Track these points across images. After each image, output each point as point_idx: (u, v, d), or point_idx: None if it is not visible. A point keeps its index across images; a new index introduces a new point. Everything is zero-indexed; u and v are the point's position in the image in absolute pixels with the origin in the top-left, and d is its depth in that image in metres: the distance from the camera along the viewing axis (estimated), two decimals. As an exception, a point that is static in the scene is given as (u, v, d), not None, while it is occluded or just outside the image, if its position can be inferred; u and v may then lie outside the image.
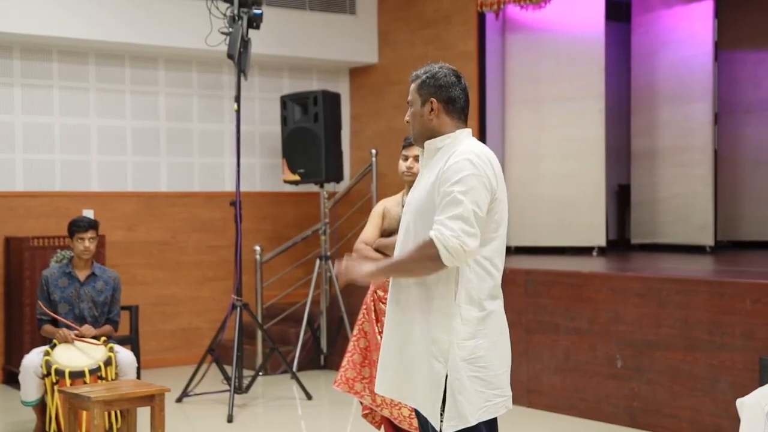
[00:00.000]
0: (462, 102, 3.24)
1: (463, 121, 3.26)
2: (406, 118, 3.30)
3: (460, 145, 3.15)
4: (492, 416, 3.12)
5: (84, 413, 5.24)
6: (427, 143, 3.23)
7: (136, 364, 5.99)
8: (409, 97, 3.29)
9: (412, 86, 3.28)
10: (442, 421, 3.08)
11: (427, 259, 3.01)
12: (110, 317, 6.17)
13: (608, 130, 8.61)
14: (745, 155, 9.43)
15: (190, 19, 8.30)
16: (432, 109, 3.21)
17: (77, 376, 5.59)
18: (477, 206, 3.02)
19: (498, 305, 3.17)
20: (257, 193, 9.36)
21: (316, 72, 9.73)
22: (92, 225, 6.12)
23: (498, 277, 3.16)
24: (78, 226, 6.07)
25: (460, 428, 3.06)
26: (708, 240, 8.53)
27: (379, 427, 4.88)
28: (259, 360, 8.07)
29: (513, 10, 8.70)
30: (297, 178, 8.65)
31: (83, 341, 5.83)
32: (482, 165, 3.07)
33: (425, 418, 3.22)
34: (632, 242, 9.38)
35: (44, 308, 5.96)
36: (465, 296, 3.07)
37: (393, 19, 9.44)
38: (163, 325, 8.81)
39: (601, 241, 8.55)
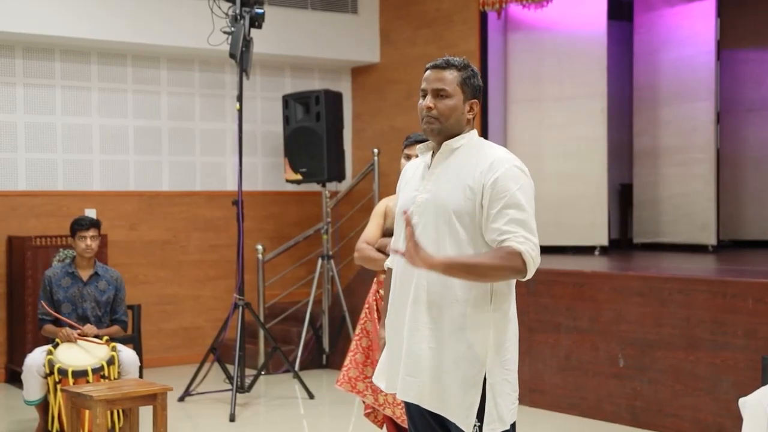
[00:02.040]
0: None
1: None
2: (429, 104, 3.09)
3: (488, 149, 3.13)
4: (515, 419, 3.15)
5: (86, 412, 5.25)
6: (445, 144, 3.15)
7: (139, 363, 6.00)
8: (445, 86, 3.10)
9: (450, 75, 3.10)
10: (480, 426, 3.03)
11: (512, 270, 2.96)
12: (117, 317, 6.18)
13: (610, 129, 8.60)
14: (747, 154, 9.42)
15: (192, 19, 8.31)
16: (471, 110, 3.16)
17: (80, 375, 5.59)
18: (532, 214, 3.04)
19: (515, 309, 3.20)
20: (259, 193, 9.37)
21: (317, 71, 9.73)
22: (94, 224, 6.14)
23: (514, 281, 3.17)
24: (80, 225, 6.10)
25: (499, 431, 3.06)
26: (710, 239, 8.52)
27: (381, 427, 4.88)
28: (261, 359, 8.07)
29: (515, 9, 8.70)
30: (299, 177, 8.65)
31: (86, 340, 5.84)
32: (527, 172, 3.08)
33: (419, 415, 3.20)
34: (634, 241, 9.37)
35: (47, 308, 5.97)
36: (498, 299, 3.08)
37: (394, 18, 9.44)
38: (165, 324, 8.82)
39: (603, 240, 8.55)
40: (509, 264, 2.94)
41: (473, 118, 3.20)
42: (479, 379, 3.04)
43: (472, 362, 3.03)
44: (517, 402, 3.15)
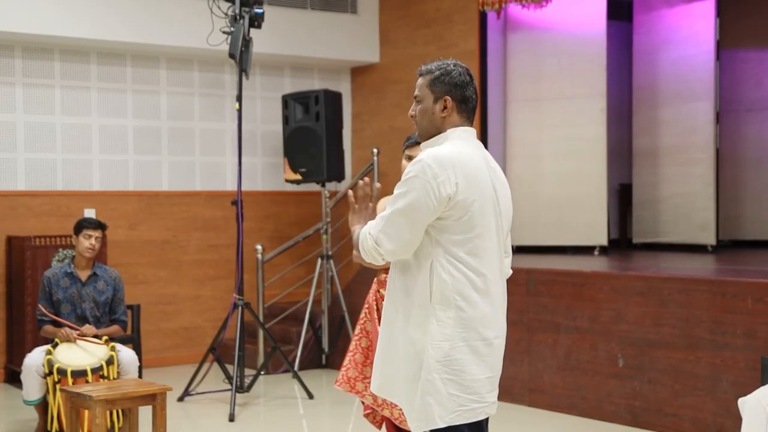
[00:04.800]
0: (473, 102, 3.20)
1: (470, 122, 3.22)
2: (411, 112, 3.24)
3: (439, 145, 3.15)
4: (467, 421, 3.05)
5: (86, 412, 5.24)
6: (423, 144, 3.23)
7: (138, 363, 6.00)
8: (418, 92, 3.21)
9: (422, 81, 3.20)
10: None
11: (355, 247, 3.16)
12: (116, 317, 6.18)
13: (610, 129, 8.61)
14: (747, 154, 9.43)
15: (191, 19, 8.31)
16: (445, 108, 3.16)
17: (79, 375, 5.59)
18: (412, 209, 3.00)
19: (480, 310, 3.07)
20: (259, 192, 9.37)
21: (317, 71, 9.73)
22: (101, 226, 6.20)
23: (477, 280, 3.06)
24: (88, 223, 6.16)
25: (428, 429, 3.04)
26: (709, 239, 8.52)
27: (380, 427, 4.88)
28: (261, 359, 8.07)
29: (514, 9, 8.70)
30: (298, 177, 8.65)
31: (85, 340, 5.84)
32: (437, 169, 3.00)
33: None
34: (634, 241, 9.38)
35: (44, 310, 5.97)
36: (440, 297, 3.03)
37: (394, 18, 9.44)
38: (164, 324, 8.82)
39: (602, 240, 8.55)
40: (355, 240, 3.17)
41: (452, 114, 3.17)
42: (418, 376, 3.06)
43: (414, 358, 3.08)
44: (474, 405, 3.05)
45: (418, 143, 4.49)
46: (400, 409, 4.52)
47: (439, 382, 3.03)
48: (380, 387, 3.27)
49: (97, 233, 6.11)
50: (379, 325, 4.59)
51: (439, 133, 3.19)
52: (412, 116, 3.25)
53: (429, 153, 3.07)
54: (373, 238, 3.05)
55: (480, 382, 3.07)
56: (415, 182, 3.02)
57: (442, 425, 3.03)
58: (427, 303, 3.05)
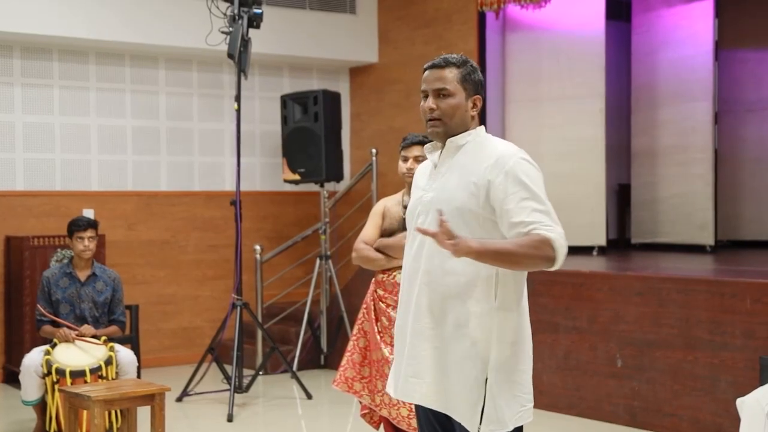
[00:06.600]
0: None
1: None
2: (432, 105, 3.05)
3: (493, 144, 3.08)
4: (526, 422, 3.05)
5: (84, 412, 5.24)
6: (449, 141, 3.10)
7: (137, 363, 6.00)
8: (446, 85, 3.05)
9: (450, 74, 3.06)
10: (480, 425, 2.98)
11: (543, 259, 2.93)
12: (115, 318, 6.18)
13: (608, 130, 8.61)
14: (746, 154, 9.43)
15: (190, 19, 8.30)
16: (475, 106, 3.11)
17: (78, 375, 5.59)
18: (552, 208, 3.04)
19: (526, 307, 3.11)
20: (257, 193, 9.36)
21: (316, 71, 9.73)
22: (91, 224, 6.13)
23: (525, 279, 3.11)
24: (77, 226, 6.09)
25: None
26: (708, 239, 8.52)
27: (377, 427, 4.88)
28: (259, 359, 8.07)
29: (513, 10, 8.70)
30: (297, 177, 8.65)
31: (84, 340, 5.84)
32: (534, 163, 3.06)
33: (426, 421, 3.19)
34: (632, 241, 9.38)
35: (43, 310, 5.97)
36: (504, 298, 3.00)
37: (393, 18, 9.44)
38: (163, 324, 8.81)
39: (601, 240, 8.55)
40: (541, 252, 2.92)
41: (477, 114, 3.14)
42: (482, 378, 2.98)
43: (475, 361, 2.98)
44: (530, 405, 3.06)
45: (414, 143, 4.49)
46: (398, 410, 4.52)
47: (505, 384, 2.99)
48: (433, 398, 3.09)
49: (89, 233, 6.08)
50: (377, 325, 4.60)
51: (465, 130, 3.11)
52: (432, 109, 3.06)
53: (513, 150, 3.04)
54: (563, 240, 2.96)
55: (529, 380, 3.09)
56: (538, 178, 3.02)
57: (511, 427, 3.00)
58: (491, 304, 2.99)
